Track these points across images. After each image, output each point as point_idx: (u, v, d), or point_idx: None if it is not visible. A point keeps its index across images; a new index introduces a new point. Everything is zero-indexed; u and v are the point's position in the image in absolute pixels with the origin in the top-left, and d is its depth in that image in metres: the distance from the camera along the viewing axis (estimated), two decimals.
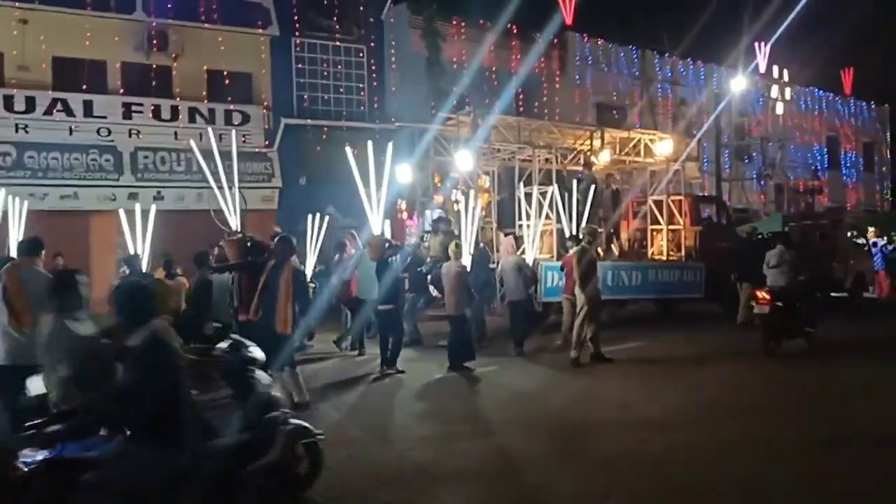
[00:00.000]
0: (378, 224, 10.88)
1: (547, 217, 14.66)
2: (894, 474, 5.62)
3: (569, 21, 24.76)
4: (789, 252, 11.65)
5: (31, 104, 17.32)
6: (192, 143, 11.75)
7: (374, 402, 8.78)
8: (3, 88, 17.25)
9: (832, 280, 16.92)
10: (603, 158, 17.02)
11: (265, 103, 19.93)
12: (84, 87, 18.06)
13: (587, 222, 13.76)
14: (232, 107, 19.44)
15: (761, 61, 28.17)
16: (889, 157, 39.65)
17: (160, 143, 18.68)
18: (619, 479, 5.75)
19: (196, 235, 16.47)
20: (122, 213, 11.79)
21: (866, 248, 19.20)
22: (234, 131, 12.89)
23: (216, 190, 10.19)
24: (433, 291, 12.70)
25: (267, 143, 19.58)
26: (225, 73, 19.59)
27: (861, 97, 37.75)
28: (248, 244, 9.57)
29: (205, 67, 19.44)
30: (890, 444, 6.33)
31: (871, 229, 19.77)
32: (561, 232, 14.17)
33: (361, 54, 21.38)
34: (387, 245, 11.04)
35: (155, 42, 18.70)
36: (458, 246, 11.36)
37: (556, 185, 14.76)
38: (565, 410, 8.05)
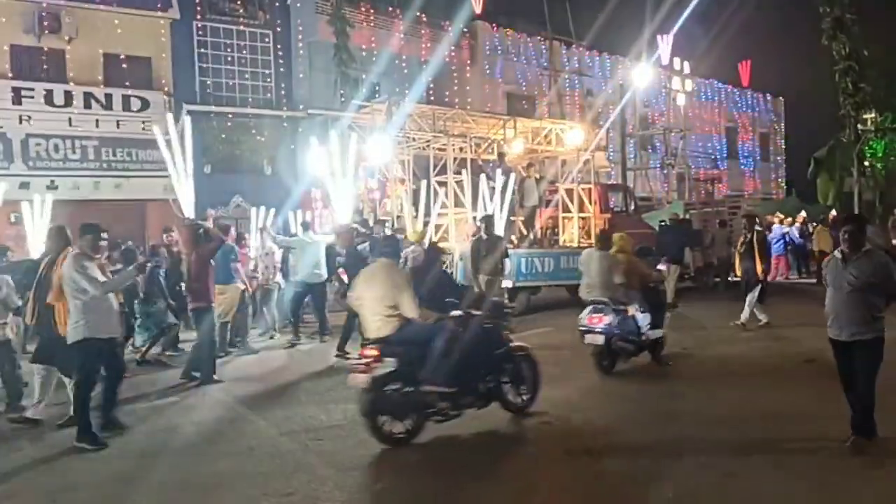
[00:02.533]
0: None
1: (461, 205, 14.74)
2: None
3: (478, 11, 24.87)
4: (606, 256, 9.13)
5: None
6: (156, 129, 11.35)
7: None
8: None
9: (731, 265, 17.64)
10: (516, 148, 17.18)
11: (166, 89, 19.21)
12: None
13: (506, 210, 13.95)
14: (130, 92, 18.68)
15: (663, 53, 28.98)
16: (783, 146, 41.67)
17: (53, 129, 17.82)
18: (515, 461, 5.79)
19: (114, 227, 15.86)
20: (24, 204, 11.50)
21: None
22: (186, 118, 12.03)
23: (174, 176, 10.39)
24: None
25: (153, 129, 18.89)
26: (123, 56, 18.80)
27: (758, 89, 39.54)
28: (200, 231, 9.71)
29: (101, 51, 18.61)
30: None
31: (776, 216, 20.57)
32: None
33: (267, 39, 20.89)
34: (355, 233, 11.46)
35: (46, 24, 17.84)
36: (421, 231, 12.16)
37: (475, 175, 14.81)
38: None
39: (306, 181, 16.94)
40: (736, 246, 13.02)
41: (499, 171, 14.62)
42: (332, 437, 6.63)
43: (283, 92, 21.01)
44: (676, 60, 29.64)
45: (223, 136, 20.02)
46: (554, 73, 27.31)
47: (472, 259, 11.23)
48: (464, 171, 14.94)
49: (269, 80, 20.98)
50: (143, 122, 18.73)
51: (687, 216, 20.22)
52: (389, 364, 6.20)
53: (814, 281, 17.97)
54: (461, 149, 16.86)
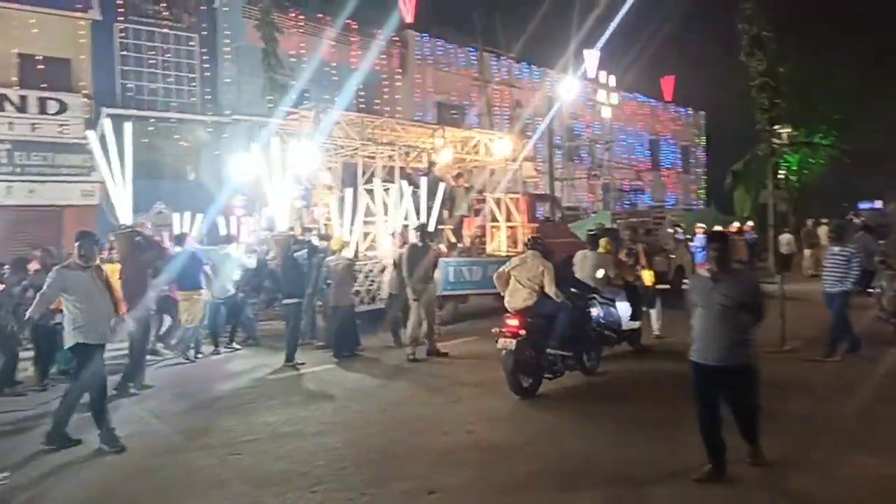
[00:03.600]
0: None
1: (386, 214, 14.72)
2: None
3: (409, 19, 24.93)
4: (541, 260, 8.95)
5: None
6: (90, 135, 10.75)
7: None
8: None
9: (657, 272, 18.08)
10: (444, 157, 17.26)
11: (85, 91, 18.59)
12: None
13: (435, 219, 14.03)
14: (47, 94, 18.02)
15: (590, 67, 29.64)
16: (704, 159, 43.13)
17: None
18: (446, 473, 5.83)
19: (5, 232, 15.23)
20: None
21: (685, 243, 20.67)
22: (129, 121, 11.49)
23: (109, 182, 9.96)
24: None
25: (87, 133, 18.25)
26: (39, 57, 18.11)
27: (680, 103, 40.85)
28: (137, 239, 9.78)
29: (15, 51, 17.87)
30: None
31: (700, 226, 21.12)
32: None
33: (192, 43, 20.46)
34: (293, 241, 11.63)
35: None
36: (342, 240, 12.10)
37: (406, 184, 14.81)
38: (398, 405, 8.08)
39: (231, 187, 16.65)
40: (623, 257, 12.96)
41: (425, 179, 14.69)
42: (250, 451, 6.54)
43: (207, 96, 20.60)
44: (602, 74, 30.36)
45: (144, 140, 19.51)
46: (484, 84, 27.59)
47: (407, 266, 11.24)
48: (392, 179, 14.95)
49: (193, 84, 20.53)
50: (61, 125, 18.14)
51: (614, 226, 20.67)
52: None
53: None
54: (390, 157, 16.85)
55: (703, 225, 21.72)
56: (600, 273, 10.11)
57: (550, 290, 8.48)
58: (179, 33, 20.27)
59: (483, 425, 7.16)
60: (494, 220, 17.69)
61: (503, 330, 8.14)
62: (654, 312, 11.97)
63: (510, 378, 8.02)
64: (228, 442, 6.83)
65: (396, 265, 12.13)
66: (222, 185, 18.19)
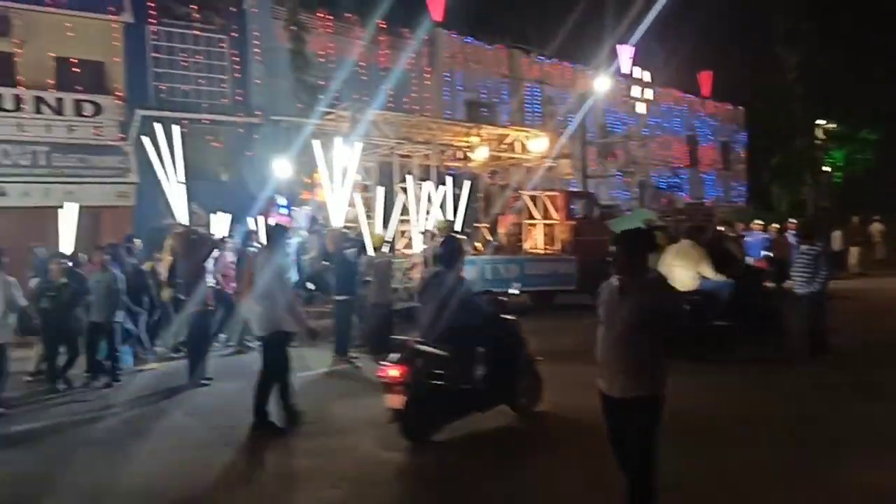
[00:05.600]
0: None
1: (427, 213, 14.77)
2: None
3: (438, 17, 24.92)
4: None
5: None
6: (146, 140, 11.39)
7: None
8: None
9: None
10: (480, 155, 17.27)
11: (118, 93, 18.97)
12: None
13: (463, 217, 14.06)
14: (82, 97, 18.42)
15: (623, 62, 29.28)
16: (743, 155, 42.26)
17: (2, 134, 17.51)
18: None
19: (44, 233, 15.55)
20: None
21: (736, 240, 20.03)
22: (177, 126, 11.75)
23: (166, 184, 10.81)
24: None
25: (121, 135, 18.65)
26: (74, 60, 18.54)
27: (718, 98, 40.06)
28: (193, 237, 10.36)
29: (51, 54, 18.30)
30: None
31: (757, 222, 20.51)
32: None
33: (223, 44, 20.73)
34: (344, 239, 11.80)
35: None
36: (382, 237, 12.38)
37: (439, 182, 14.91)
38: None
39: (264, 187, 16.82)
40: None
41: (451, 178, 14.70)
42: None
43: (238, 98, 20.85)
44: (637, 69, 29.96)
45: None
46: (514, 82, 27.47)
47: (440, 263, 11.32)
48: (428, 178, 15.01)
49: (224, 85, 20.79)
50: (96, 128, 18.52)
51: (660, 222, 20.28)
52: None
53: None
54: (426, 155, 16.91)
55: (761, 221, 21.08)
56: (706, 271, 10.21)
57: (708, 273, 9.90)
58: (210, 35, 20.55)
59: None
60: (531, 217, 17.63)
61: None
62: None
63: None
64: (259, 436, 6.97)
65: (426, 263, 12.19)
66: (254, 185, 18.41)
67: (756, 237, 20.08)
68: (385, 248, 12.31)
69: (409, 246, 14.82)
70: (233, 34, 20.80)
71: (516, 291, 10.32)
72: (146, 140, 11.25)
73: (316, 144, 13.13)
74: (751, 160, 41.29)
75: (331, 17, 22.82)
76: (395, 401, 6.25)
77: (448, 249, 7.16)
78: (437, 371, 6.46)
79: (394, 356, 6.57)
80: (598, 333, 4.47)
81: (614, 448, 4.44)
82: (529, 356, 7.47)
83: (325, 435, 6.97)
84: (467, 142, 17.35)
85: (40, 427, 7.73)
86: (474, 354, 6.72)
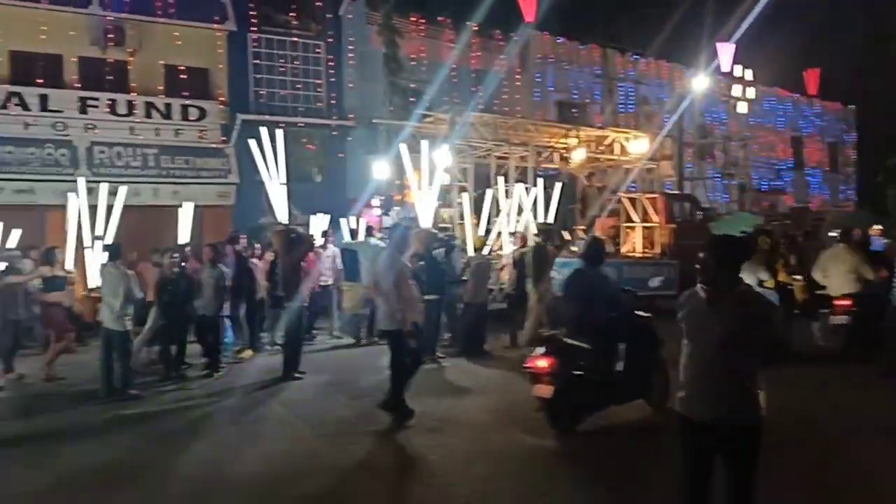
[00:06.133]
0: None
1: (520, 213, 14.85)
2: None
3: (530, 18, 24.84)
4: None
5: None
6: (252, 143, 11.96)
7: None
8: None
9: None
10: (578, 156, 17.13)
11: (221, 99, 19.86)
12: (40, 81, 17.94)
13: (561, 219, 14.05)
14: (188, 102, 19.38)
15: (724, 60, 28.34)
16: (854, 157, 40.10)
17: (116, 138, 18.57)
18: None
19: (151, 231, 16.42)
20: (73, 206, 12.58)
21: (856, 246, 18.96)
22: (280, 130, 12.35)
23: (268, 185, 11.37)
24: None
25: (223, 138, 19.52)
26: (181, 67, 19.52)
27: (826, 97, 38.17)
28: (292, 235, 10.68)
29: (161, 62, 19.33)
30: None
31: (877, 227, 19.53)
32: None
33: (319, 50, 21.35)
34: (434, 239, 12.10)
35: (111, 36, 18.60)
36: (483, 239, 12.75)
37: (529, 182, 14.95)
38: None
39: (358, 189, 17.21)
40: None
41: (543, 180, 14.66)
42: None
43: (333, 101, 21.44)
44: (738, 68, 28.95)
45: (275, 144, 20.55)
46: (608, 81, 27.07)
47: (534, 267, 11.40)
48: (524, 179, 15.03)
49: (320, 89, 21.41)
50: (200, 131, 19.43)
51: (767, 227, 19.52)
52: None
53: None
54: (522, 157, 16.87)
55: (880, 226, 19.98)
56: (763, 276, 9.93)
57: (868, 275, 9.94)
58: (307, 41, 21.20)
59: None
60: (629, 220, 17.35)
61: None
62: (814, 325, 11.25)
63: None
64: (348, 431, 7.19)
65: (516, 264, 12.27)
66: (348, 186, 18.90)
67: (876, 243, 19.01)
68: (485, 250, 12.45)
69: (499, 247, 14.88)
70: (329, 40, 21.40)
71: (657, 284, 10.48)
72: (252, 143, 11.77)
73: (403, 147, 13.37)
74: (862, 161, 39.16)
75: (424, 21, 23.14)
76: (544, 390, 6.63)
77: (593, 249, 7.57)
78: (581, 364, 6.74)
79: (540, 349, 6.88)
80: (684, 349, 4.06)
81: (692, 481, 3.98)
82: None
83: (427, 431, 7.11)
84: (565, 143, 17.22)
85: (151, 411, 8.26)
86: (615, 349, 6.96)
